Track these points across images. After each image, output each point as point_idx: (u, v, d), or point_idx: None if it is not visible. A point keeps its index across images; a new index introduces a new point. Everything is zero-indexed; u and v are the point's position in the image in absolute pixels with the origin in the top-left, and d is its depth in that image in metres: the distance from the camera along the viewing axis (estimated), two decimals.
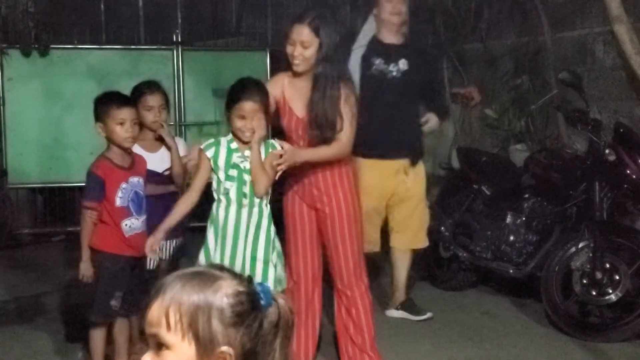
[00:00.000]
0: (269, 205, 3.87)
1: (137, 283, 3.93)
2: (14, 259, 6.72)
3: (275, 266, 3.84)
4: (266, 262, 3.82)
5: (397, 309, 5.16)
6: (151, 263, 4.19)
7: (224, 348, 1.45)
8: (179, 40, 7.66)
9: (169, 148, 4.30)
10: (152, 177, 4.27)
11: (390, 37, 5.00)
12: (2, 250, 6.95)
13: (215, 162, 3.75)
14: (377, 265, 5.63)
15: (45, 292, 5.61)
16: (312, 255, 4.19)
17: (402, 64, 4.97)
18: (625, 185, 4.75)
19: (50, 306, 5.30)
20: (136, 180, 3.86)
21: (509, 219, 5.30)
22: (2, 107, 7.33)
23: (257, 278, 3.77)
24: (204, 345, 1.45)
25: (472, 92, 6.52)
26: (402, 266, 5.20)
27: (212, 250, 3.77)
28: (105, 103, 3.79)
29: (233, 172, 3.76)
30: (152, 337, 1.48)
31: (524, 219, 5.23)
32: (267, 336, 1.49)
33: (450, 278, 5.76)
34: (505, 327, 4.90)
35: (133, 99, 4.27)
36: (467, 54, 6.64)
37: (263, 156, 3.78)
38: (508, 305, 5.32)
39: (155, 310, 1.48)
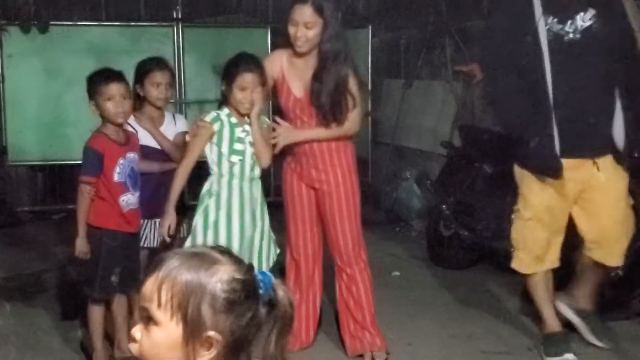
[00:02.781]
0: None
1: (133, 259, 3.93)
2: (14, 237, 6.71)
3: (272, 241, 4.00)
4: (269, 236, 3.94)
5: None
6: (155, 241, 4.19)
7: (211, 333, 1.43)
8: (179, 16, 7.60)
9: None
10: (153, 154, 4.26)
11: None
12: (2, 228, 6.94)
13: (220, 136, 3.80)
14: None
15: (45, 269, 5.61)
16: (312, 233, 4.18)
17: (581, 19, 3.81)
18: None
19: (50, 283, 5.31)
20: (132, 156, 3.86)
21: (509, 198, 5.26)
22: (1, 84, 7.28)
23: (265, 252, 3.91)
24: (191, 327, 1.43)
25: (475, 69, 6.47)
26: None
27: (212, 223, 3.78)
28: (94, 80, 3.78)
29: (239, 146, 3.81)
30: (143, 311, 1.47)
31: None
32: (261, 326, 1.46)
33: (452, 256, 5.75)
34: (505, 305, 4.89)
35: (139, 75, 4.26)
36: (469, 32, 6.58)
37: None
38: (508, 283, 5.28)
39: (149, 285, 1.47)
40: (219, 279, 1.45)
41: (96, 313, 3.88)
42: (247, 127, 3.84)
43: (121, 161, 3.79)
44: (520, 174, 4.07)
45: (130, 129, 4.12)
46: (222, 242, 3.74)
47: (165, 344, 1.44)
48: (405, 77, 7.44)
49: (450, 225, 5.71)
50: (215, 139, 3.81)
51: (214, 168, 3.83)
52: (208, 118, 3.84)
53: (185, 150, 4.36)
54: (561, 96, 3.80)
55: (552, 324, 4.10)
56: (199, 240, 3.79)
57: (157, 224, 4.15)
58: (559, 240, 4.05)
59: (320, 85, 3.88)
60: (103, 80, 3.75)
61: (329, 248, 4.18)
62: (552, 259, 4.08)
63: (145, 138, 4.27)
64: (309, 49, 3.90)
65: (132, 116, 4.25)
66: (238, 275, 1.46)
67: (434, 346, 4.31)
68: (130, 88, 3.90)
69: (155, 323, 1.45)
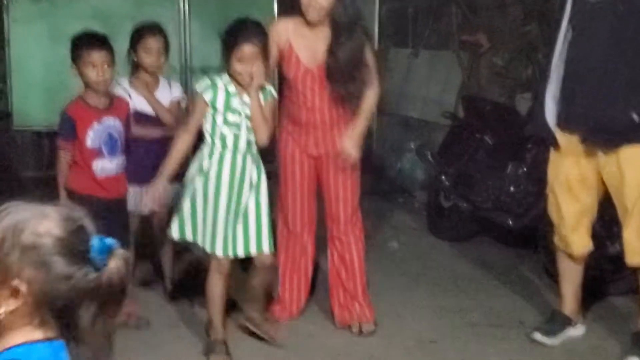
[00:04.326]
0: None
1: (117, 226, 3.90)
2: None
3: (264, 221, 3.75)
4: (259, 214, 3.72)
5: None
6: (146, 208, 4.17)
7: (16, 282, 1.41)
8: None
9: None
10: (147, 120, 4.23)
11: None
12: (6, 193, 6.96)
13: (214, 106, 3.60)
14: None
15: None
16: (309, 204, 4.14)
17: None
18: None
19: None
20: (111, 121, 3.81)
21: (510, 169, 5.20)
22: (7, 49, 7.27)
23: (251, 230, 3.71)
24: (1, 270, 1.42)
25: (481, 39, 6.37)
26: None
27: (200, 198, 3.66)
28: (77, 45, 3.73)
29: (233, 118, 3.62)
30: None
31: (525, 169, 5.12)
32: (82, 292, 1.43)
33: (451, 228, 5.70)
34: (500, 278, 4.85)
35: (132, 41, 4.23)
36: (477, 0, 6.47)
37: (262, 104, 3.64)
38: (506, 256, 5.26)
39: None
40: (34, 231, 1.43)
41: None
42: (246, 99, 3.61)
43: (96, 126, 3.76)
44: None
45: (123, 93, 4.10)
46: (210, 217, 3.66)
47: None
48: (412, 47, 7.34)
49: (449, 196, 5.65)
50: (210, 109, 3.62)
51: (207, 137, 3.66)
52: (200, 86, 3.64)
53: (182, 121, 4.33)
54: (573, 64, 3.66)
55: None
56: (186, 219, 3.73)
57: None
58: (585, 222, 3.89)
59: (336, 58, 3.78)
60: (86, 47, 3.70)
61: (325, 217, 4.15)
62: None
63: (141, 104, 4.25)
64: (321, 18, 3.79)
65: (127, 81, 4.23)
66: (56, 232, 1.44)
67: (424, 318, 4.28)
68: (113, 54, 3.85)
69: None
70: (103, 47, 3.72)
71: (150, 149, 4.20)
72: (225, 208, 3.64)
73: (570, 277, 3.99)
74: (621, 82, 3.55)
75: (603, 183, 3.80)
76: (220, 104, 3.60)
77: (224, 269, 3.74)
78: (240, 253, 3.72)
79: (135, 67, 4.30)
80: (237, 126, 3.62)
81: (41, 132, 7.62)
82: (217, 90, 3.59)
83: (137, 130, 4.13)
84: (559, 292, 4.06)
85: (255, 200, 3.72)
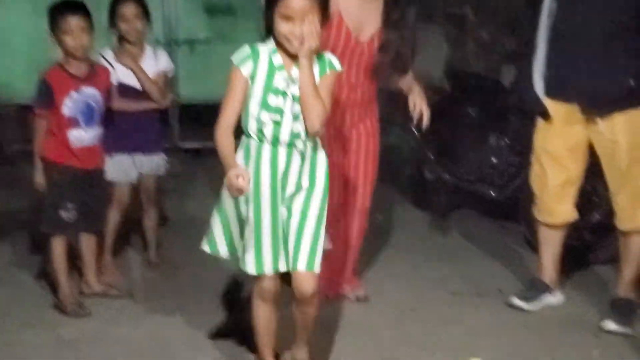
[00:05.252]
0: (322, 148, 3.01)
1: (94, 197, 3.91)
2: (3, 176, 6.70)
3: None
4: (301, 226, 2.96)
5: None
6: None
7: None
8: None
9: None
10: (130, 92, 4.22)
11: None
12: None
13: (253, 82, 2.85)
14: None
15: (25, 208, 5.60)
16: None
17: None
18: None
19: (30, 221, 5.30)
20: (90, 91, 3.80)
21: (492, 141, 5.22)
22: None
23: (290, 243, 2.96)
24: None
25: (467, 12, 6.36)
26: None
27: (243, 208, 2.96)
28: (54, 13, 3.74)
29: (275, 101, 2.86)
30: None
31: (507, 141, 5.14)
32: None
33: (435, 201, 5.71)
34: (482, 249, 4.88)
35: (111, 12, 4.22)
36: None
37: (317, 78, 2.88)
38: (489, 228, 5.29)
39: None
40: None
41: (55, 249, 3.88)
42: (295, 73, 2.85)
43: (74, 95, 3.76)
44: None
45: (106, 64, 4.08)
46: (251, 227, 2.94)
47: None
48: None
49: (433, 169, 5.66)
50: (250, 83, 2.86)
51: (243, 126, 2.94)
52: (238, 56, 2.86)
53: (166, 89, 4.29)
54: (565, 32, 3.66)
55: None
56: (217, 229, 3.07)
57: (136, 159, 4.25)
58: (571, 192, 3.91)
59: (394, 33, 3.63)
60: (61, 14, 3.70)
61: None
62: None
63: (125, 76, 4.23)
64: None
65: (111, 53, 4.21)
66: None
67: (405, 288, 4.29)
68: (91, 20, 3.83)
69: None
70: (78, 11, 3.71)
71: (139, 119, 4.21)
72: (269, 217, 2.94)
73: (550, 246, 4.01)
74: (618, 48, 3.58)
75: (589, 153, 3.83)
76: (260, 80, 2.86)
77: (268, 293, 3.07)
78: (282, 267, 3.02)
79: (120, 39, 4.28)
80: (280, 112, 2.88)
81: (26, 105, 7.57)
82: (259, 62, 2.85)
83: (122, 105, 4.12)
84: (539, 261, 4.08)
85: (302, 209, 2.96)
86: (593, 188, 4.47)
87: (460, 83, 5.72)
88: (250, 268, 2.98)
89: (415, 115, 3.80)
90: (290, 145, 2.89)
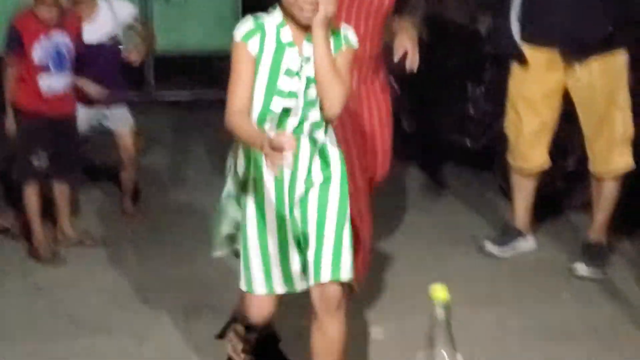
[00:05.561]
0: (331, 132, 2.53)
1: (65, 145, 3.90)
2: None
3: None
4: (320, 228, 2.48)
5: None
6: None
7: None
8: None
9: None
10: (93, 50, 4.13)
11: None
12: None
13: (258, 63, 2.41)
14: None
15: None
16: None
17: None
18: None
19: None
20: (60, 37, 3.77)
21: (468, 91, 5.22)
22: None
23: (328, 250, 2.46)
24: None
25: None
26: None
27: (252, 216, 2.50)
28: None
29: (287, 84, 2.42)
30: None
31: (483, 90, 5.13)
32: None
33: (414, 153, 5.70)
34: (457, 198, 4.92)
35: None
36: None
37: (332, 51, 2.43)
38: (466, 178, 5.30)
39: None
40: None
41: (28, 196, 3.89)
42: (307, 51, 2.43)
43: (43, 41, 3.73)
44: None
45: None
46: (254, 246, 2.51)
47: None
48: None
49: (412, 121, 5.66)
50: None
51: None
52: (241, 30, 2.41)
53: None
54: None
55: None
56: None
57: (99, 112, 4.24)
58: (545, 139, 3.92)
59: None
60: None
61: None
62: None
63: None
64: None
65: None
66: None
67: (379, 237, 4.28)
68: None
69: None
70: None
71: (98, 74, 4.15)
72: (275, 228, 2.52)
73: (523, 192, 4.04)
74: None
75: (564, 99, 3.84)
76: (266, 59, 2.41)
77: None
78: (279, 290, 2.59)
79: None
80: (295, 96, 2.43)
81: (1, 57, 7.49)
82: (265, 38, 2.41)
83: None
84: (511, 207, 4.11)
85: (319, 207, 2.49)
86: (566, 135, 4.50)
87: (439, 32, 5.68)
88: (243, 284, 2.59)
89: (398, 54, 3.30)
90: (299, 136, 2.44)
